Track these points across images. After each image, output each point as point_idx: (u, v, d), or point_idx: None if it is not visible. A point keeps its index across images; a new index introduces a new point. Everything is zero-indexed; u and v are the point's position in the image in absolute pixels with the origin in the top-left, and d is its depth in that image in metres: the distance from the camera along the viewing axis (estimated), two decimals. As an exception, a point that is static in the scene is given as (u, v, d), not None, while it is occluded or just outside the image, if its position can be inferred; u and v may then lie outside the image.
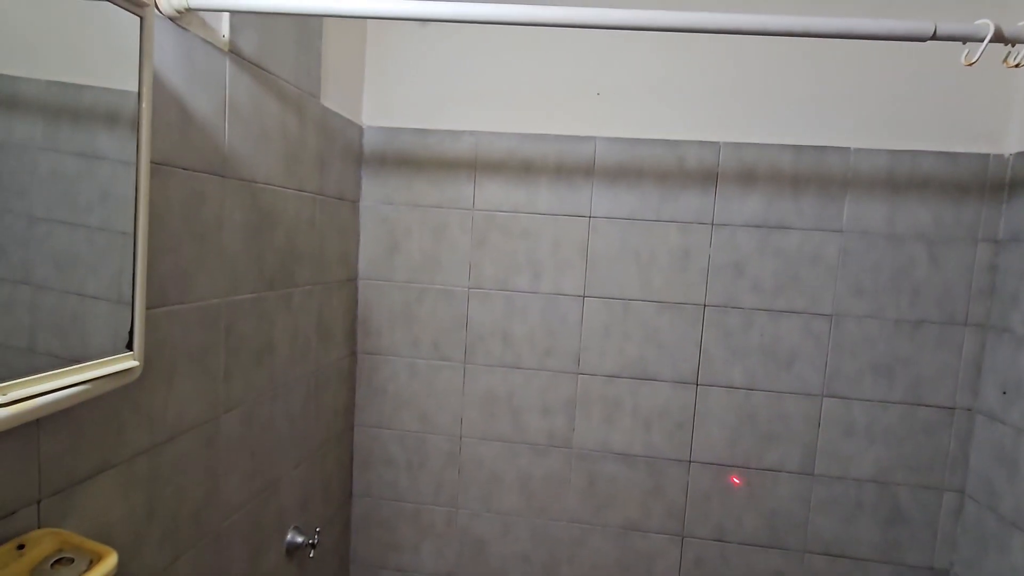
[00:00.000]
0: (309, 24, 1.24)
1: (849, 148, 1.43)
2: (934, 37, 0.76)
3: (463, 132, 1.54)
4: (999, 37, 0.76)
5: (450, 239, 1.57)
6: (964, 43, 0.79)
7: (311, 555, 1.32)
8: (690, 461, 1.54)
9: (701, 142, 1.47)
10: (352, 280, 1.59)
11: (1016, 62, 0.77)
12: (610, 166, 1.51)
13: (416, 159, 1.56)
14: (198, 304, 0.96)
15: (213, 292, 0.99)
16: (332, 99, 1.39)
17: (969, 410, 1.43)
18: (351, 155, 1.52)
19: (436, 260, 1.58)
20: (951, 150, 1.41)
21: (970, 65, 0.77)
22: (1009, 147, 1.39)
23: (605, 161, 1.51)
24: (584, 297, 1.54)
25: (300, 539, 1.30)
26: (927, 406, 1.45)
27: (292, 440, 1.31)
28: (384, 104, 1.57)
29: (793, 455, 1.50)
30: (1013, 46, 0.78)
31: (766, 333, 1.49)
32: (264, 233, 1.13)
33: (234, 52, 1.00)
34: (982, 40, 0.76)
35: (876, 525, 1.49)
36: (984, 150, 1.40)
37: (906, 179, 1.42)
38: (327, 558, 1.54)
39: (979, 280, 1.41)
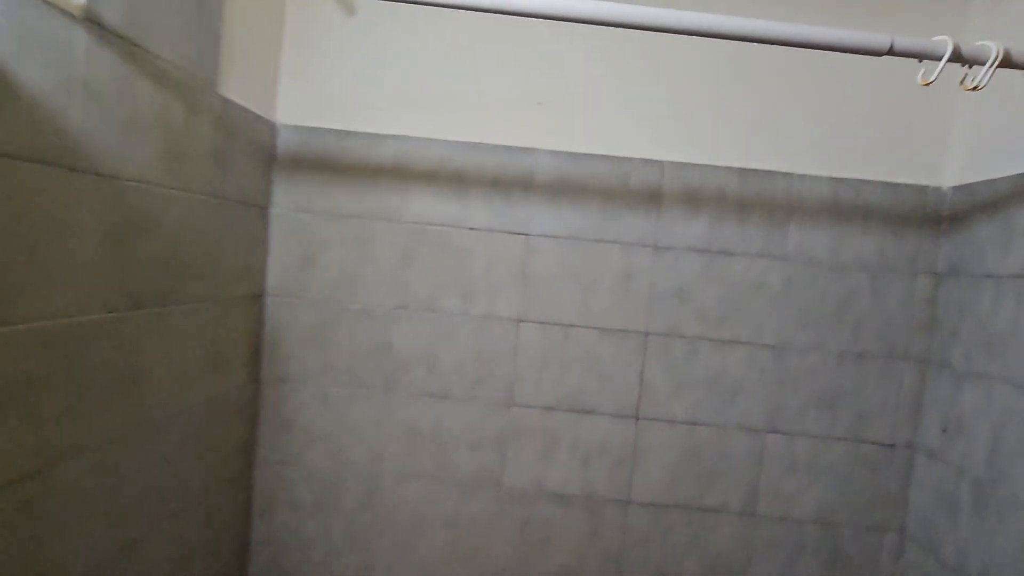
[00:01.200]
0: None
1: (793, 174, 1.39)
2: (891, 52, 0.69)
3: (388, 136, 1.39)
4: (958, 56, 0.69)
5: (373, 254, 1.41)
6: (920, 61, 0.72)
7: (184, 626, 1.11)
8: (629, 501, 1.43)
9: (645, 160, 1.39)
10: (258, 297, 1.40)
11: (974, 84, 0.71)
12: (551, 181, 1.40)
13: (338, 163, 1.40)
14: (26, 327, 0.76)
15: (50, 312, 0.79)
16: (236, 90, 1.21)
17: (909, 447, 1.39)
18: (261, 155, 1.34)
19: (356, 277, 1.41)
20: (893, 180, 1.38)
21: (927, 85, 0.70)
22: (947, 180, 1.38)
23: (545, 175, 1.40)
24: (520, 321, 1.42)
25: (171, 607, 1.09)
26: (869, 443, 1.40)
27: (168, 487, 1.10)
28: (303, 101, 1.40)
29: (736, 494, 1.42)
30: (971, 67, 0.71)
31: (710, 364, 1.41)
32: (132, 241, 0.94)
33: (93, 20, 0.82)
34: (940, 58, 0.69)
35: (818, 567, 1.42)
36: (924, 182, 1.38)
37: (850, 208, 1.38)
38: (214, 621, 1.32)
39: (919, 313, 1.38)
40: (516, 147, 1.39)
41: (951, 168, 1.37)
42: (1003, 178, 1.20)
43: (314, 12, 1.39)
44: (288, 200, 1.41)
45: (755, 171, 1.39)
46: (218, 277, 1.20)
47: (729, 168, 1.39)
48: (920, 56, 0.71)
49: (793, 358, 1.40)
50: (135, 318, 0.96)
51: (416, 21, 1.38)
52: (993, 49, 0.69)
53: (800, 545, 1.42)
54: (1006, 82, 1.10)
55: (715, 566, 1.43)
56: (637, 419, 1.42)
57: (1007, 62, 0.70)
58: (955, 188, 1.35)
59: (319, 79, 1.40)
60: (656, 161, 1.39)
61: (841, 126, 1.38)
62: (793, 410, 1.40)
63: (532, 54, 1.38)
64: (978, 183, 1.28)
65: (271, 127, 1.38)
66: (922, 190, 1.38)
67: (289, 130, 1.40)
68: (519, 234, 1.40)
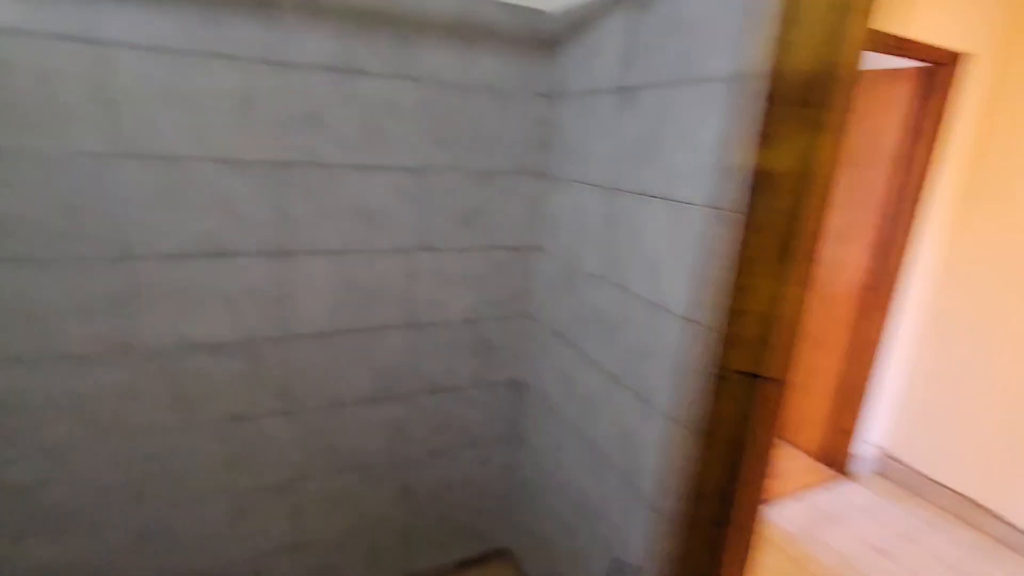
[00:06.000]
0: None
1: (419, -16, 1.33)
2: None
3: None
4: None
5: None
6: None
7: None
8: (291, 336, 1.43)
9: (247, -51, 1.15)
10: None
11: None
12: (114, -35, 1.06)
13: None
14: None
15: None
16: None
17: (532, 249, 1.68)
18: None
19: None
20: (512, 1, 1.44)
21: None
22: (557, 4, 1.50)
23: (103, -44, 1.05)
24: (112, 156, 1.15)
25: None
26: (502, 249, 1.64)
27: None
28: None
29: (397, 310, 1.55)
30: None
31: (355, 192, 1.40)
32: None
33: None
34: None
35: (470, 356, 1.70)
36: (538, 5, 1.48)
37: (475, 29, 1.42)
38: None
39: (536, 132, 1.57)
40: (41, -95, 0.99)
41: (559, -8, 1.49)
42: (593, 1, 1.35)
43: None
44: None
45: (380, -23, 1.28)
46: None
47: (351, -29, 1.25)
48: None
49: (434, 179, 1.48)
50: None
51: None
52: None
53: (455, 341, 1.66)
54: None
55: (385, 374, 1.59)
56: (285, 255, 1.37)
57: None
58: (564, 13, 1.49)
59: None
60: (261, -48, 1.17)
61: (465, -66, 1.35)
62: (438, 228, 1.53)
63: None
64: (576, 7, 1.42)
65: None
66: (537, 14, 1.48)
67: None
68: (85, 42, 1.07)
